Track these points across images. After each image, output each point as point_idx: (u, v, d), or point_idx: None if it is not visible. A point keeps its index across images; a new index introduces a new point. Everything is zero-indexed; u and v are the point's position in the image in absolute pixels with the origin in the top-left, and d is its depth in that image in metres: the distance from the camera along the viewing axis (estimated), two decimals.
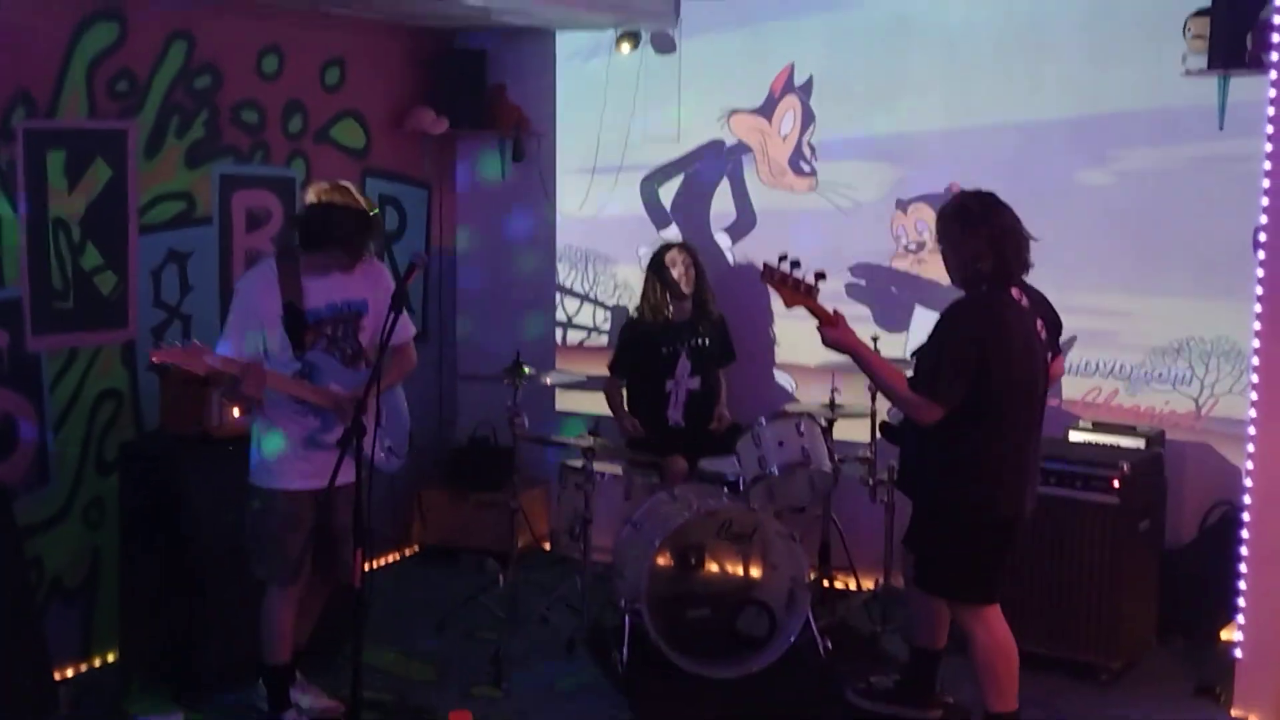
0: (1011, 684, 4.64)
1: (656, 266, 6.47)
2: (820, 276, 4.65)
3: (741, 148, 6.88)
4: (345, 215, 4.64)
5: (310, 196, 4.69)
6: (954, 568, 4.60)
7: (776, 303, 6.68)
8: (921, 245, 6.50)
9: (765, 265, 4.62)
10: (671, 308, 6.45)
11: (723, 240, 6.95)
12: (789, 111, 6.77)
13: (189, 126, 5.79)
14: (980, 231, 4.46)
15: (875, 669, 5.41)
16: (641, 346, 6.50)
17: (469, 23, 6.88)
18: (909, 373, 4.58)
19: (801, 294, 4.58)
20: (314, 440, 4.71)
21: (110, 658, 5.53)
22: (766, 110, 6.81)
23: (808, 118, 6.73)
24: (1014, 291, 4.63)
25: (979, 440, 4.46)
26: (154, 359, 4.52)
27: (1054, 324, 5.21)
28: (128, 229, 5.55)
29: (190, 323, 5.86)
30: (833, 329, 4.55)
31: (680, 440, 6.32)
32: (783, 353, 6.85)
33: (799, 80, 6.73)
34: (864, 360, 4.58)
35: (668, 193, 7.09)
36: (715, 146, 6.94)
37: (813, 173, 6.74)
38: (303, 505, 4.70)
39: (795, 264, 4.61)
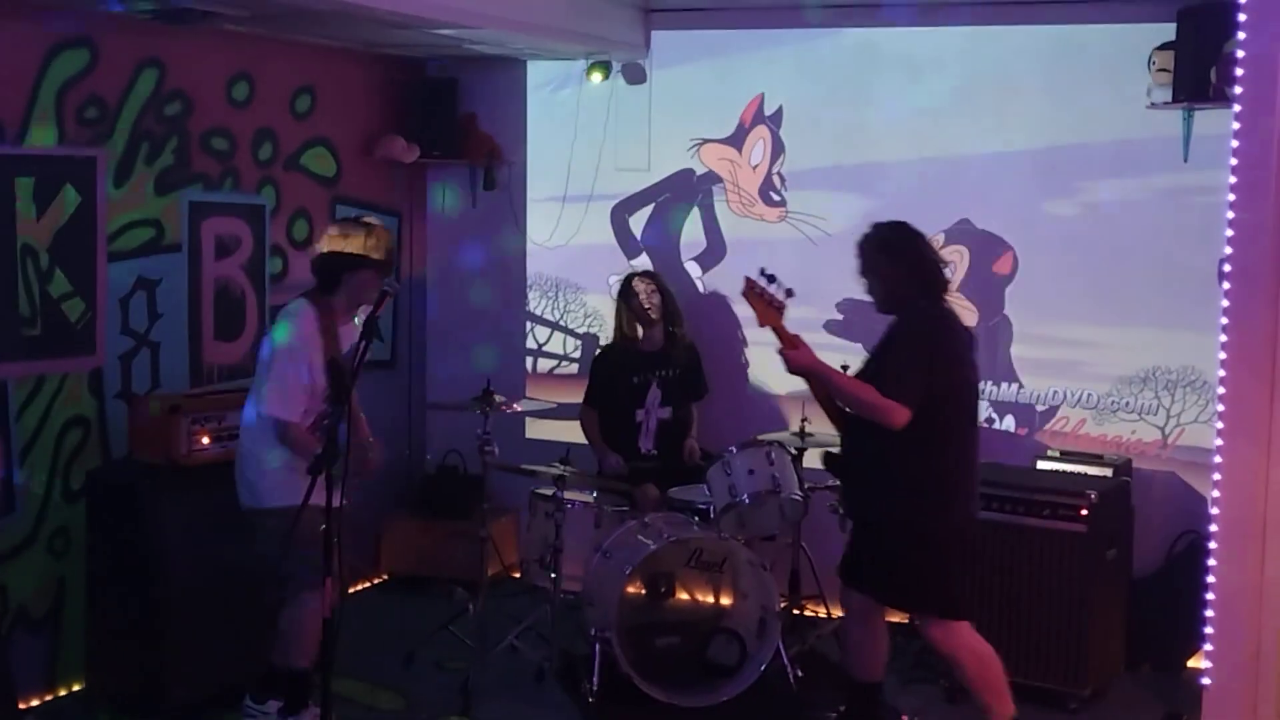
0: (1005, 688, 4.74)
1: (625, 294, 6.50)
2: (789, 294, 4.82)
3: (712, 177, 6.92)
4: (348, 262, 4.81)
5: (322, 245, 4.91)
6: (923, 583, 4.67)
7: (749, 330, 6.79)
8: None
9: (748, 279, 4.80)
10: (642, 335, 6.46)
11: (693, 269, 6.97)
12: (759, 141, 6.81)
13: (159, 153, 5.78)
14: (905, 259, 4.71)
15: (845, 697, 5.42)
16: (613, 375, 6.51)
17: (440, 51, 6.90)
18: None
19: (775, 311, 4.75)
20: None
21: (76, 687, 5.47)
22: (736, 140, 6.85)
23: (778, 148, 6.77)
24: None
25: (932, 456, 4.61)
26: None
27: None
28: (96, 256, 5.52)
29: (158, 350, 5.83)
30: (794, 351, 4.70)
31: (651, 469, 6.32)
32: (753, 380, 6.87)
33: (769, 110, 6.77)
34: (828, 378, 4.74)
35: (638, 222, 7.11)
36: (685, 176, 6.97)
37: (783, 203, 6.78)
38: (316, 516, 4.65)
39: (771, 278, 4.80)
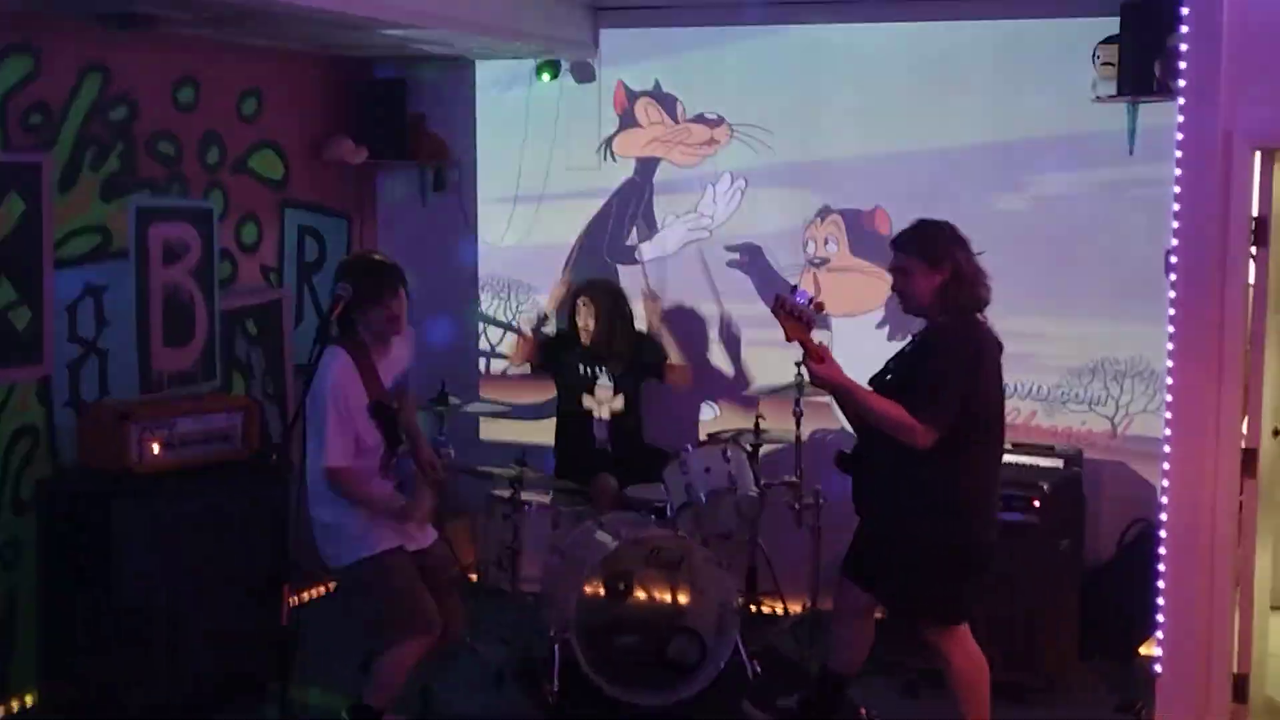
0: (987, 700, 4.74)
1: (569, 312, 6.55)
2: (819, 308, 4.71)
3: (650, 164, 6.93)
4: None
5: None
6: (935, 594, 4.67)
7: (711, 329, 6.81)
8: (826, 261, 6.58)
9: (777, 296, 4.66)
10: (584, 344, 6.48)
11: (650, 260, 6.96)
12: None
13: (104, 159, 5.71)
14: (951, 261, 4.60)
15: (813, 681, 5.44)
16: (561, 356, 6.52)
17: (387, 52, 6.86)
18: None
19: (802, 326, 4.60)
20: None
21: (29, 700, 5.40)
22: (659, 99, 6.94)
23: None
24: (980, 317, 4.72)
25: (960, 471, 4.55)
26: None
27: None
28: (42, 263, 5.45)
29: (107, 357, 5.77)
30: (820, 364, 4.58)
31: (607, 463, 6.32)
32: (711, 378, 6.88)
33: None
34: (852, 393, 4.61)
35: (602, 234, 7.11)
36: (630, 180, 6.99)
37: (721, 121, 6.77)
38: (407, 558, 4.80)
39: (793, 288, 4.72)
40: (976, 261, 4.67)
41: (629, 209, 7.00)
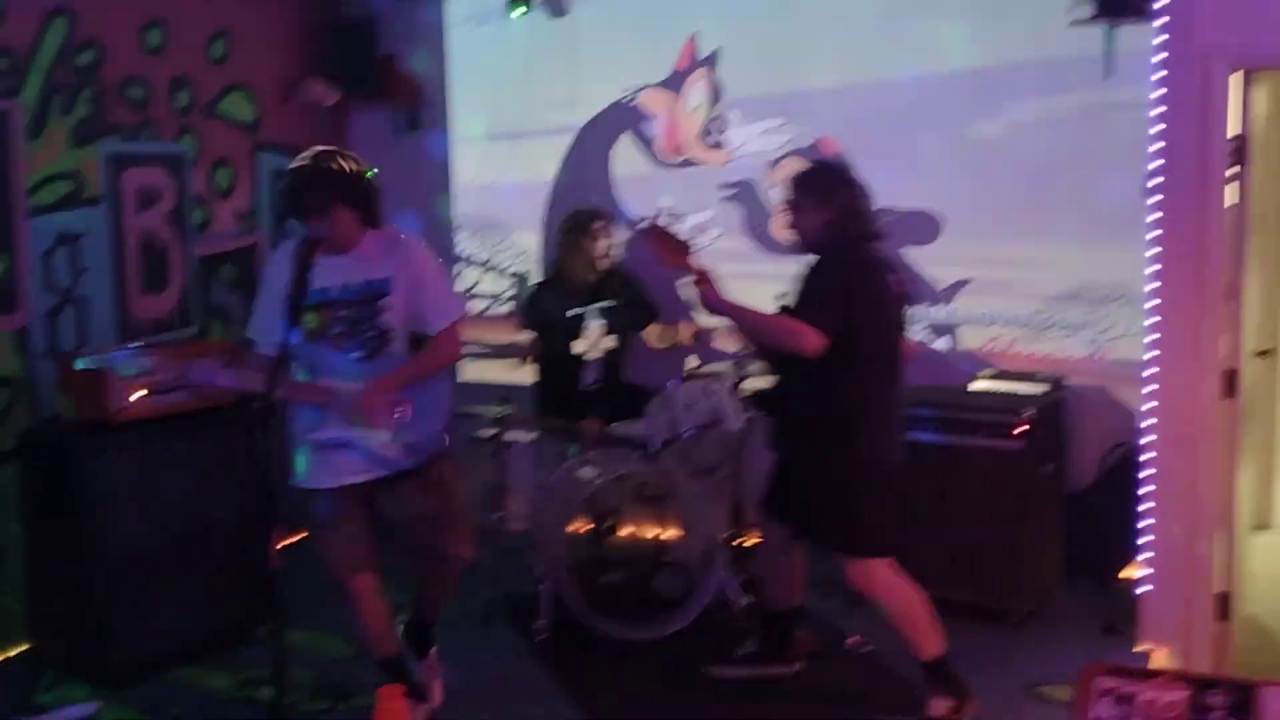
0: (930, 626, 4.72)
1: (579, 233, 6.23)
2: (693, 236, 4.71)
3: (641, 113, 6.87)
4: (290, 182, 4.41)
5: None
6: (841, 520, 4.68)
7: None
8: None
9: (647, 220, 4.70)
10: (583, 275, 6.34)
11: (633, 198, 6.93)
12: (698, 84, 6.76)
13: (73, 105, 5.64)
14: (838, 200, 4.63)
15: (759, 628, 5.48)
16: (548, 308, 6.40)
17: None
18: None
19: (680, 251, 4.64)
20: (320, 441, 4.50)
21: (20, 649, 5.41)
22: (673, 83, 6.82)
23: (717, 91, 6.74)
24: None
25: (847, 391, 4.57)
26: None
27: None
28: (15, 212, 5.39)
29: (84, 305, 5.73)
30: (705, 286, 4.61)
31: (593, 402, 6.28)
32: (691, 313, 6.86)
33: (704, 53, 6.73)
34: (739, 314, 4.65)
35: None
36: (615, 108, 6.92)
37: (719, 145, 6.74)
38: (332, 498, 4.56)
39: (671, 218, 4.71)
40: (867, 203, 4.69)
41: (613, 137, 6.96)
